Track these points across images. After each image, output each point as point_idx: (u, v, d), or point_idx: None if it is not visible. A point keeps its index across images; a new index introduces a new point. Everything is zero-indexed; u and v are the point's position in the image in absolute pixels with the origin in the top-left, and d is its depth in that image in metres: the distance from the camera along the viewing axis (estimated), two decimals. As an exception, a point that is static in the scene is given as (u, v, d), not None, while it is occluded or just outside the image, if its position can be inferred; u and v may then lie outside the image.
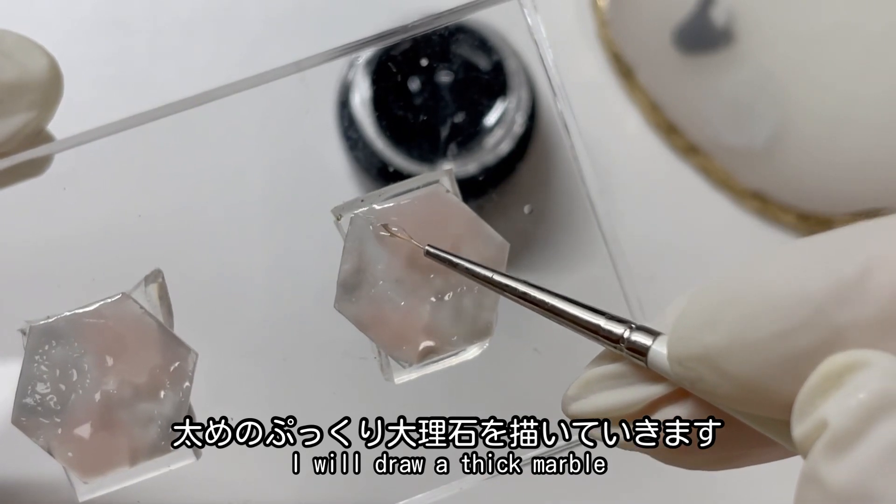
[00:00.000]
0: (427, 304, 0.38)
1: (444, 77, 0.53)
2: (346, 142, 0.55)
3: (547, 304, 0.35)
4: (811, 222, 0.63)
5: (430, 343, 0.38)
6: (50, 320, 0.37)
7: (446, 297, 0.38)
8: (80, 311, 0.37)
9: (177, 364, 0.37)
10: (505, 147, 0.56)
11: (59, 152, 0.38)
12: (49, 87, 0.38)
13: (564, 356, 0.39)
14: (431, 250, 0.37)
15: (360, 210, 0.38)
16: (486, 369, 0.39)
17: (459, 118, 0.54)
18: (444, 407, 0.41)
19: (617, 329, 0.33)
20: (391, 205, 0.38)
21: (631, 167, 0.64)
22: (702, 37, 0.63)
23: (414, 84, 0.53)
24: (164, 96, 0.39)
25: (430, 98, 0.53)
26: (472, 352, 0.39)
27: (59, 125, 0.39)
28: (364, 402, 0.40)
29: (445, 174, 0.39)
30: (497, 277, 0.36)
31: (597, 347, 0.34)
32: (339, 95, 0.56)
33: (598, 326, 0.34)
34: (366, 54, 0.55)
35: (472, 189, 0.54)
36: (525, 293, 0.35)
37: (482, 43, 0.55)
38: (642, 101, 0.64)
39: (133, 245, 0.40)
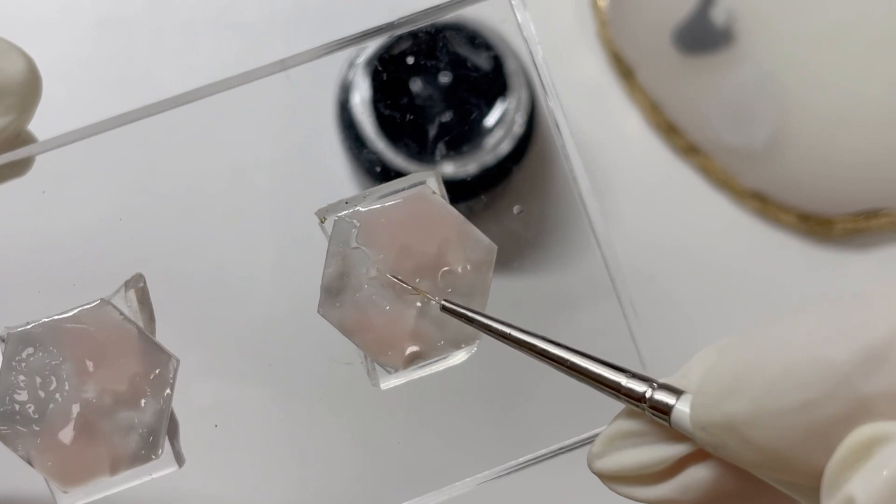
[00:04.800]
0: (413, 309, 0.38)
1: (444, 78, 0.53)
2: (346, 143, 0.55)
3: (567, 361, 0.34)
4: (811, 222, 0.63)
5: (415, 348, 0.38)
6: (28, 327, 0.36)
7: (433, 302, 0.38)
8: (59, 317, 0.37)
9: (157, 371, 0.37)
10: (505, 148, 0.56)
11: (40, 154, 0.38)
12: (27, 90, 0.37)
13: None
14: (448, 305, 0.37)
15: (345, 213, 0.38)
16: (474, 374, 0.39)
17: (459, 119, 0.54)
18: (432, 412, 0.41)
19: (639, 387, 0.33)
20: (376, 207, 0.38)
21: (631, 167, 0.64)
22: (702, 37, 0.63)
23: (414, 85, 0.53)
24: (162, 97, 0.38)
25: (430, 99, 0.53)
26: (460, 356, 0.39)
27: (57, 126, 0.38)
28: (351, 407, 0.40)
29: (432, 175, 0.39)
30: (515, 334, 0.35)
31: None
32: (339, 96, 0.56)
33: (619, 385, 0.33)
34: (365, 54, 0.55)
35: (471, 190, 0.53)
36: (544, 350, 0.35)
37: (482, 44, 0.55)
38: (642, 102, 0.64)
39: (115, 249, 0.40)
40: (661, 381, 0.33)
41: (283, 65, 0.38)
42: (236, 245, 0.42)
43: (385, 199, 0.38)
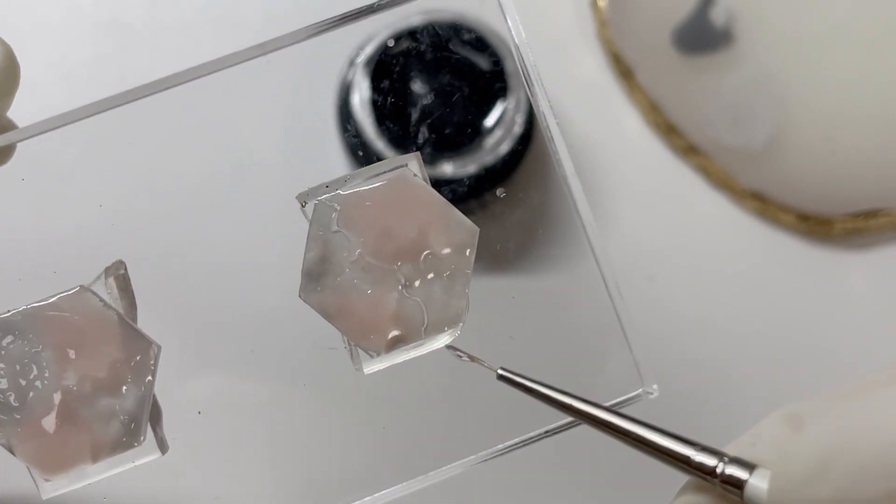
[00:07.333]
0: (394, 293, 0.38)
1: (443, 78, 0.53)
2: (346, 142, 0.55)
3: (633, 433, 0.34)
4: (811, 222, 0.63)
5: (398, 332, 0.37)
6: (7, 314, 0.36)
7: (415, 285, 0.38)
8: (38, 304, 0.36)
9: (138, 358, 0.36)
10: (504, 148, 0.56)
11: (20, 141, 0.38)
12: (4, 77, 0.36)
13: (539, 343, 0.38)
14: (505, 374, 0.36)
15: (325, 196, 0.38)
16: (464, 365, 0.39)
17: (458, 119, 0.54)
18: (416, 396, 0.41)
19: (709, 461, 0.32)
20: (357, 190, 0.38)
21: (630, 167, 0.64)
22: (701, 37, 0.62)
23: (414, 85, 0.53)
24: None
25: (430, 99, 0.53)
26: (443, 339, 0.38)
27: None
28: (334, 392, 0.40)
29: (414, 157, 0.39)
30: (578, 405, 0.35)
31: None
32: (339, 96, 0.56)
33: (689, 458, 0.33)
34: (365, 54, 0.55)
35: (470, 190, 0.54)
36: (609, 422, 0.34)
37: (481, 44, 0.56)
38: (642, 102, 0.64)
39: (95, 236, 0.40)
40: (732, 454, 0.32)
41: (263, 49, 0.38)
42: (219, 231, 0.42)
43: (366, 183, 0.38)
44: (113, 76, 0.61)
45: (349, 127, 0.55)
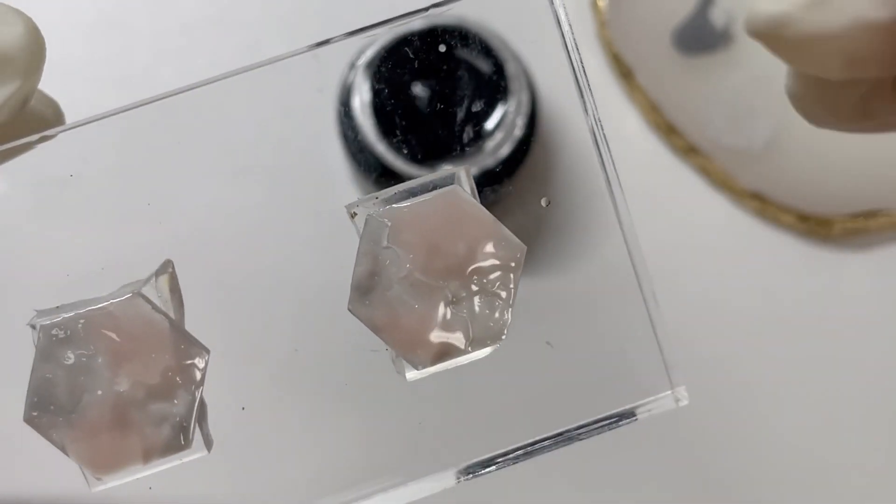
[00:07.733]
0: (441, 308, 0.38)
1: (445, 81, 0.53)
2: (347, 145, 0.55)
3: None
4: (811, 222, 0.63)
5: (443, 346, 0.38)
6: (59, 318, 0.37)
7: (462, 300, 0.38)
8: (91, 308, 0.37)
9: (189, 363, 0.37)
10: (504, 151, 0.56)
11: (66, 136, 0.37)
12: (30, 53, 0.35)
13: (578, 349, 0.38)
14: None
15: (375, 210, 0.38)
16: (499, 363, 0.39)
17: (458, 122, 0.54)
18: (457, 401, 0.41)
19: None
20: (407, 205, 0.38)
21: (630, 168, 0.64)
22: (701, 38, 0.63)
23: (414, 87, 0.53)
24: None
25: (430, 101, 0.53)
26: (486, 352, 0.39)
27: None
28: (376, 394, 0.41)
29: (463, 170, 0.39)
30: None
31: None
32: (340, 98, 0.56)
33: None
34: (366, 57, 0.55)
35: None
36: None
37: (482, 46, 0.55)
38: (642, 102, 0.64)
39: (142, 233, 0.40)
40: None
41: (310, 47, 0.39)
42: (263, 234, 0.42)
43: (416, 197, 0.38)
44: (113, 76, 0.61)
45: (349, 130, 0.55)
